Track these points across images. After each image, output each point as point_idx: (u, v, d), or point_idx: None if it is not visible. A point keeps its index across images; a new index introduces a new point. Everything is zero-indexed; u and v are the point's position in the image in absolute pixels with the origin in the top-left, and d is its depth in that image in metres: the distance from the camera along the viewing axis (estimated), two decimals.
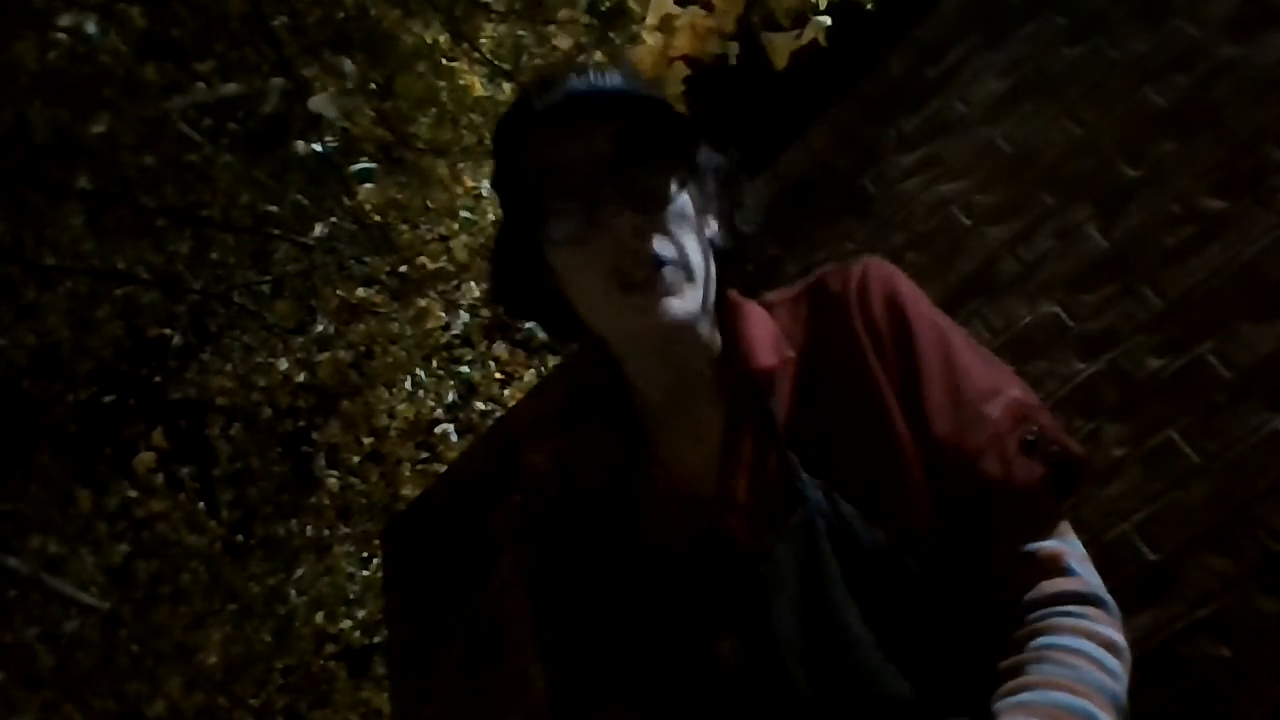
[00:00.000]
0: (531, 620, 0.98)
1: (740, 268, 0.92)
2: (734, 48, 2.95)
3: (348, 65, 3.63)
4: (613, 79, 0.83)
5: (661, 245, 0.81)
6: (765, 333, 0.88)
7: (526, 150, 0.83)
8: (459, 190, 4.66)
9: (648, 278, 0.80)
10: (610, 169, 0.81)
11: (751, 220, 0.92)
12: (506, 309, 0.95)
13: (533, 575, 0.97)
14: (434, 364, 6.58)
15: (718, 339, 0.89)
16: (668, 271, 0.81)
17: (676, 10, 3.02)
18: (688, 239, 0.84)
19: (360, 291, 5.87)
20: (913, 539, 0.79)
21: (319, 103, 3.53)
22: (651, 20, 2.98)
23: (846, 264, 0.91)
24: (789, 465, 0.82)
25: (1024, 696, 0.70)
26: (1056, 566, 0.78)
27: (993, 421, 0.81)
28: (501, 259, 0.92)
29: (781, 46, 2.87)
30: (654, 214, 0.82)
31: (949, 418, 0.81)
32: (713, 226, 0.89)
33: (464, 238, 5.02)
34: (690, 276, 0.83)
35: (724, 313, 0.90)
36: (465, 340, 6.30)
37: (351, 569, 7.50)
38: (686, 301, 0.82)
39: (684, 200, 0.84)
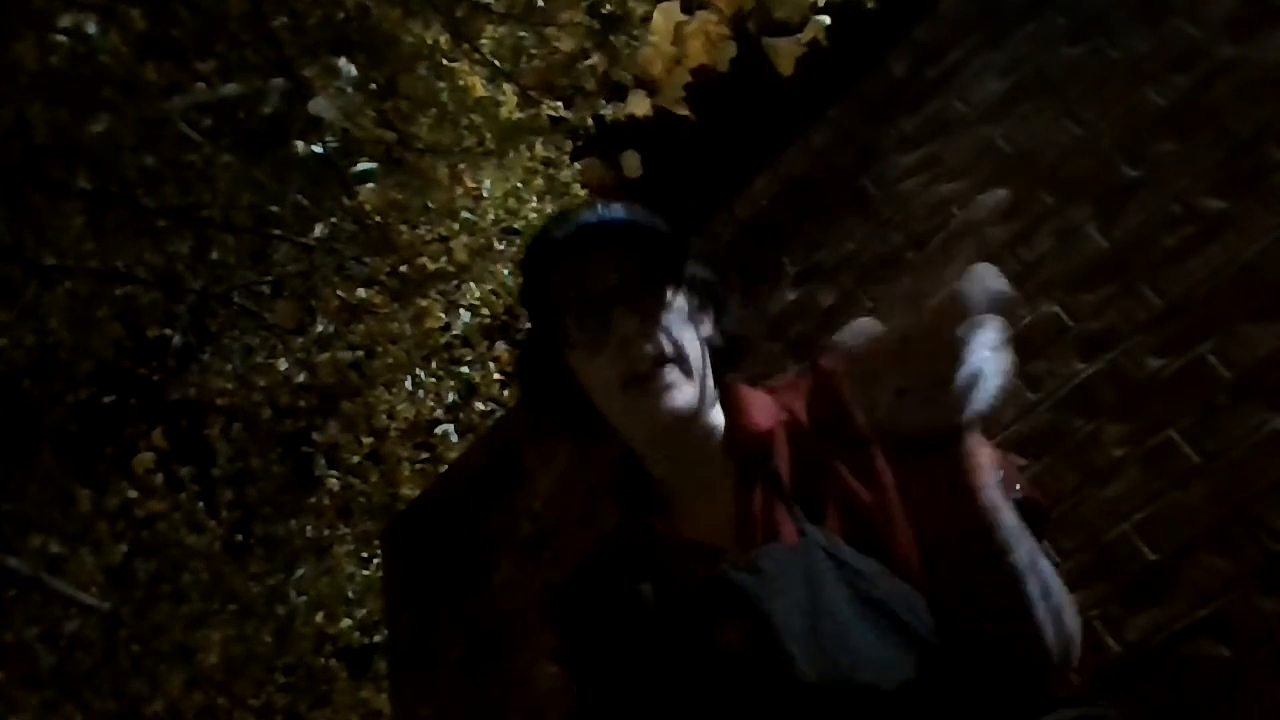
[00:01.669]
0: (573, 695, 1.08)
1: (736, 363, 1.07)
2: (731, 49, 2.96)
3: (348, 68, 3.62)
4: (616, 212, 1.00)
5: (661, 344, 0.97)
6: (763, 405, 1.02)
7: (549, 273, 1.00)
8: (459, 191, 4.67)
9: (650, 372, 0.96)
10: (618, 289, 0.98)
11: (737, 324, 1.08)
12: (533, 405, 1.11)
13: (570, 659, 1.07)
14: (434, 364, 6.58)
15: (721, 420, 1.02)
16: (668, 369, 0.96)
17: (684, 17, 3.03)
18: (685, 338, 0.99)
19: (360, 292, 5.87)
20: (907, 575, 0.87)
21: (319, 105, 3.53)
22: (661, 29, 2.98)
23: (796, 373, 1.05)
24: (796, 520, 0.91)
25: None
26: None
27: None
28: (529, 362, 1.08)
29: (786, 52, 2.88)
30: (655, 319, 0.98)
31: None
32: (707, 327, 1.04)
33: (464, 238, 5.03)
34: (688, 372, 0.98)
35: (726, 397, 1.04)
36: (465, 340, 6.30)
37: (351, 569, 7.50)
38: (686, 395, 0.97)
39: (680, 307, 1.01)
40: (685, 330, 1.00)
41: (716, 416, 1.02)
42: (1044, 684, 0.84)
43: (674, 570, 0.96)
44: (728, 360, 1.05)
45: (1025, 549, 0.81)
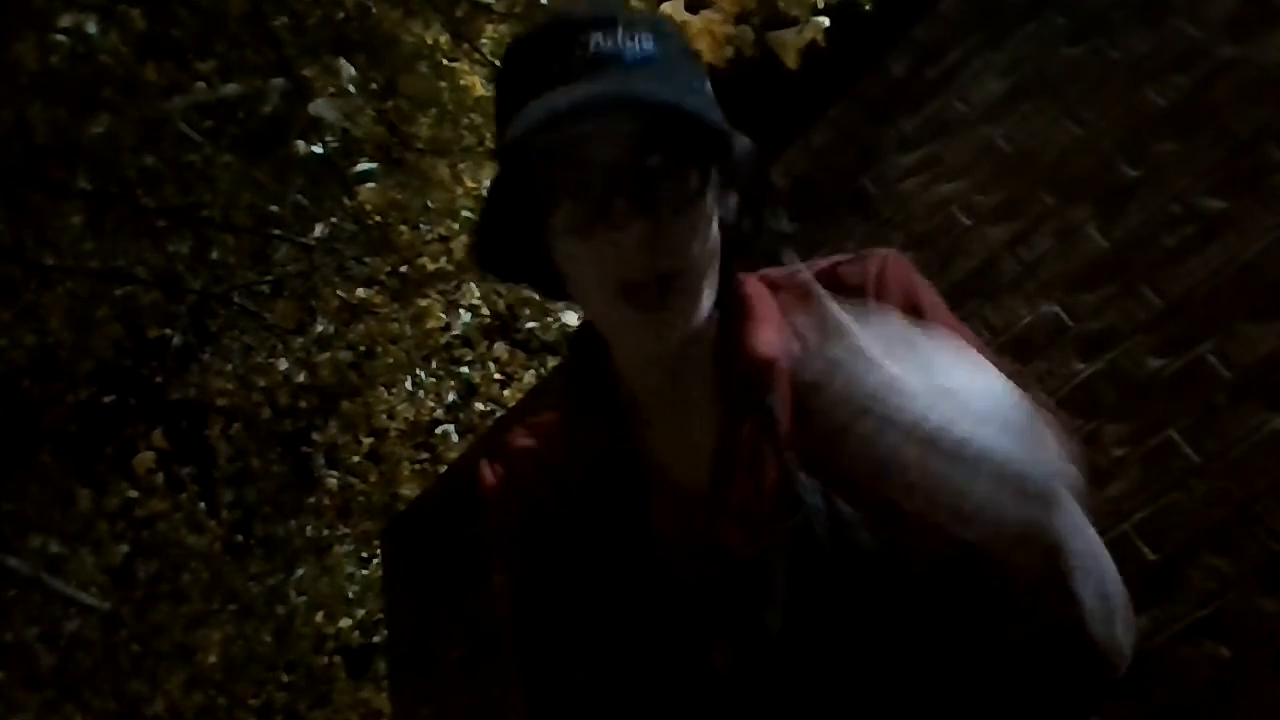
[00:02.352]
0: (512, 625, 0.93)
1: (751, 255, 0.85)
2: (729, 50, 2.95)
3: (347, 69, 3.62)
4: (645, 64, 0.74)
5: (669, 258, 0.74)
6: (769, 323, 0.83)
7: (540, 119, 0.72)
8: (459, 191, 4.66)
9: (651, 294, 0.75)
10: (627, 171, 0.73)
11: (766, 213, 0.85)
12: (489, 268, 0.88)
13: (514, 573, 0.92)
14: (434, 364, 6.58)
15: (714, 328, 0.83)
16: (673, 292, 0.75)
17: (689, 17, 3.02)
18: (698, 246, 0.76)
19: (360, 292, 5.87)
20: (913, 542, 0.74)
21: (320, 106, 3.53)
22: None
23: (863, 256, 0.86)
24: (787, 466, 0.78)
25: None
26: None
27: None
28: (493, 216, 0.83)
29: (791, 44, 2.87)
30: (665, 222, 0.74)
31: None
32: (729, 207, 0.81)
33: (464, 238, 5.02)
34: (696, 291, 0.77)
35: (727, 301, 0.83)
36: (465, 340, 6.30)
37: (351, 569, 7.50)
38: (690, 320, 0.77)
39: (700, 206, 0.77)
40: (702, 224, 0.77)
41: (712, 322, 0.82)
42: (1086, 679, 0.75)
43: (645, 509, 0.83)
44: (742, 249, 0.84)
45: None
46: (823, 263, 0.88)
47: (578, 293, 0.81)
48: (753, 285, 0.87)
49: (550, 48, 0.75)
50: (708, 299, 0.79)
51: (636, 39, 0.74)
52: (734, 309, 0.84)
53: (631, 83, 0.73)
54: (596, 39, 0.74)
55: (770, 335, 0.82)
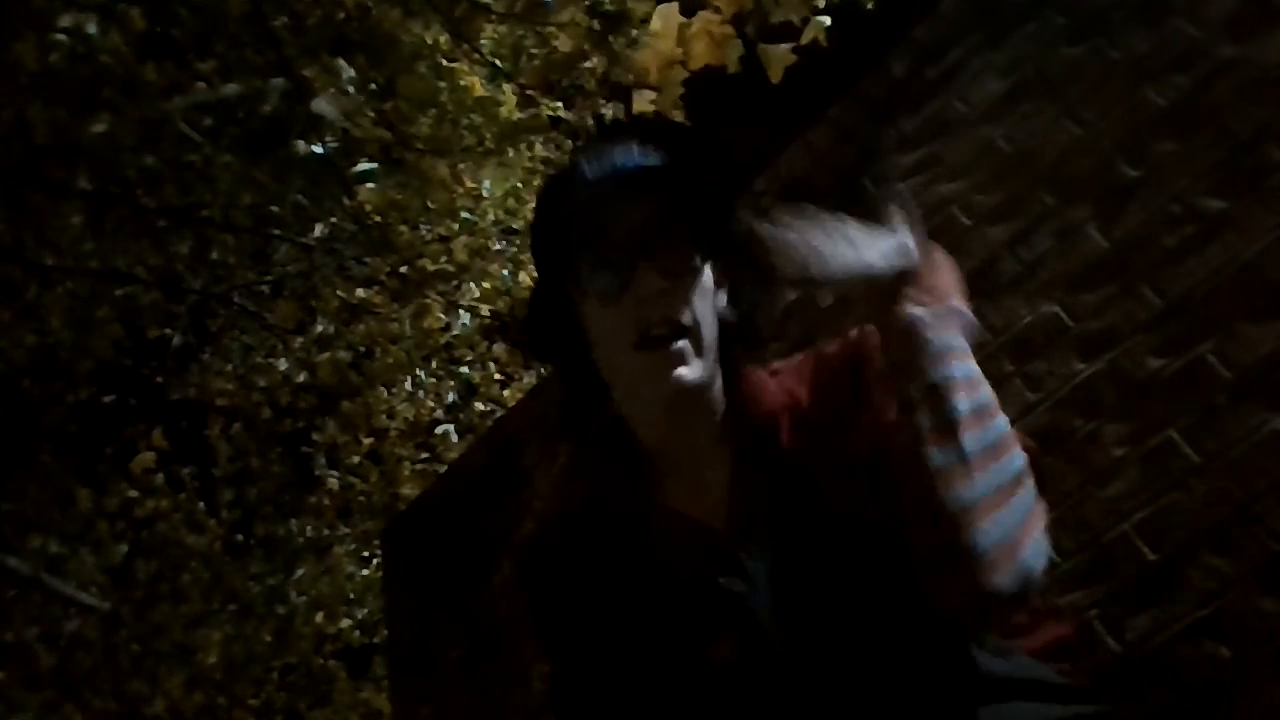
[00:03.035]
0: (545, 658, 1.04)
1: (745, 343, 1.01)
2: (738, 47, 2.95)
3: (347, 70, 3.62)
4: (654, 154, 0.93)
5: (682, 313, 0.91)
6: (768, 388, 0.98)
7: (572, 211, 0.93)
8: (459, 191, 4.67)
9: (665, 339, 0.90)
10: (646, 239, 0.91)
11: (754, 305, 1.00)
12: (534, 351, 1.07)
13: (542, 616, 1.03)
14: (434, 364, 6.58)
15: (722, 401, 0.97)
16: (683, 342, 0.91)
17: (684, 19, 3.03)
18: (704, 311, 0.93)
19: (360, 292, 5.87)
20: (905, 560, 0.83)
21: (322, 104, 3.54)
22: (662, 31, 2.98)
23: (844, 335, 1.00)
24: (791, 498, 0.89)
25: None
26: None
27: None
28: (537, 305, 1.01)
29: (776, 59, 2.88)
30: (679, 283, 0.92)
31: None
32: (723, 300, 0.98)
33: (464, 238, 5.03)
34: (700, 349, 0.92)
35: (731, 376, 0.99)
36: (465, 340, 6.30)
37: (351, 569, 7.50)
38: (694, 370, 0.91)
39: (706, 274, 0.95)
40: (704, 301, 0.94)
41: (720, 394, 0.98)
42: (982, 617, 0.81)
43: (665, 547, 0.93)
44: (737, 339, 1.00)
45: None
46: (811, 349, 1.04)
47: (604, 357, 0.95)
48: (754, 370, 1.02)
49: (584, 159, 0.95)
50: (709, 364, 0.93)
51: (649, 150, 0.94)
52: (738, 385, 0.99)
53: (645, 162, 0.93)
54: (618, 157, 0.94)
55: (769, 394, 0.98)
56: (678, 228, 0.93)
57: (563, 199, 0.94)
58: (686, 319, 0.91)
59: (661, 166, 0.93)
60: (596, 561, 0.96)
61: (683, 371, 0.91)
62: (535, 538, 1.07)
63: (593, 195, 0.92)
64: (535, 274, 1.04)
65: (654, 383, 0.91)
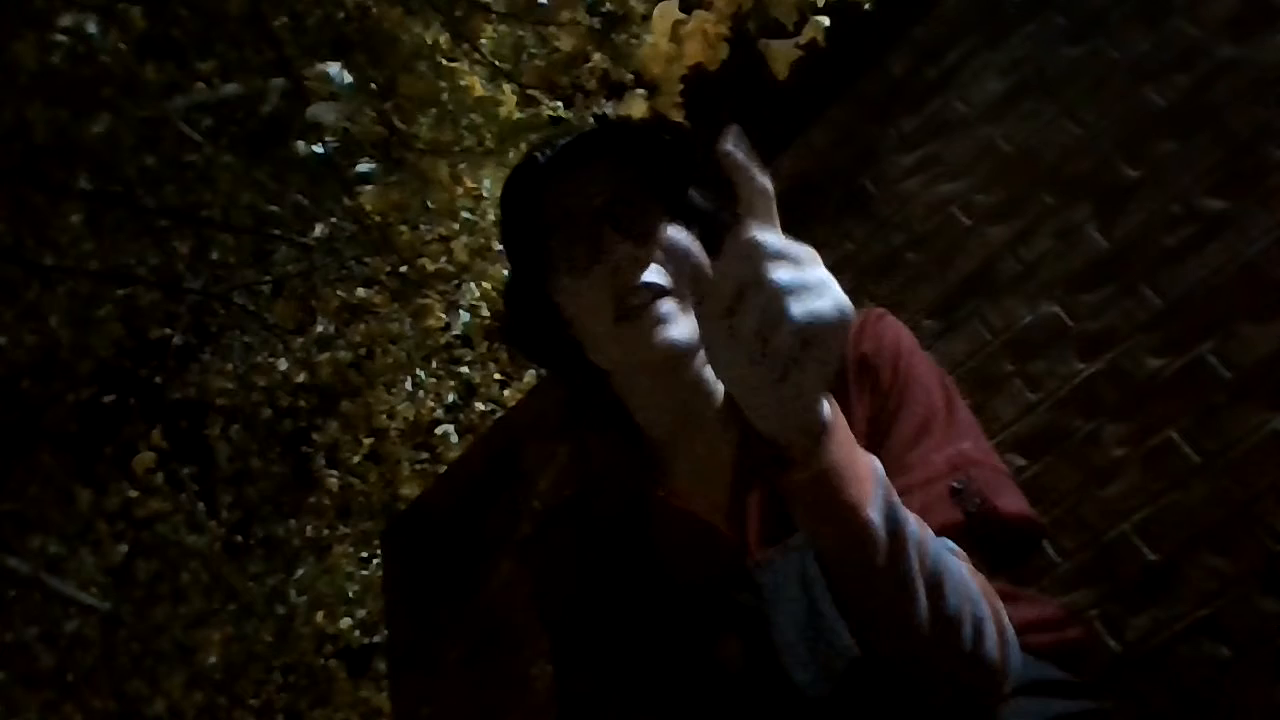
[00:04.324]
0: (551, 655, 1.02)
1: None
2: (724, 49, 2.95)
3: (341, 75, 3.62)
4: (607, 127, 0.90)
5: (655, 274, 0.86)
6: None
7: (532, 204, 0.89)
8: (459, 191, 4.66)
9: (642, 305, 0.85)
10: (606, 208, 0.87)
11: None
12: (522, 352, 1.01)
13: (547, 603, 1.00)
14: (434, 364, 6.58)
15: (722, 386, 0.90)
16: (662, 301, 0.85)
17: (682, 16, 3.02)
18: (684, 270, 0.87)
19: (360, 292, 5.87)
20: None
21: (319, 110, 3.53)
22: (659, 29, 2.97)
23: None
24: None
25: None
26: None
27: (933, 466, 0.85)
28: (514, 306, 0.97)
29: (781, 55, 2.87)
30: (649, 246, 0.87)
31: (897, 458, 0.84)
32: (704, 259, 0.91)
33: (464, 238, 5.02)
34: (685, 306, 0.86)
35: None
36: (465, 340, 6.30)
37: (351, 569, 7.50)
38: (681, 329, 0.85)
39: (678, 234, 0.89)
40: (682, 261, 0.88)
41: (717, 380, 0.90)
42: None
43: (665, 544, 0.90)
44: None
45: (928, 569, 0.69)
46: None
47: (585, 337, 0.90)
48: None
49: (536, 151, 0.90)
50: (691, 322, 0.86)
51: (602, 123, 0.90)
52: None
53: (593, 133, 0.88)
54: (569, 140, 0.88)
55: None
56: (639, 193, 0.89)
57: (520, 188, 0.90)
58: (664, 280, 0.86)
59: (612, 134, 0.90)
60: (598, 551, 0.94)
61: (669, 331, 0.84)
62: (542, 522, 1.05)
63: (548, 175, 0.88)
64: (508, 274, 1.01)
65: (641, 351, 0.86)
